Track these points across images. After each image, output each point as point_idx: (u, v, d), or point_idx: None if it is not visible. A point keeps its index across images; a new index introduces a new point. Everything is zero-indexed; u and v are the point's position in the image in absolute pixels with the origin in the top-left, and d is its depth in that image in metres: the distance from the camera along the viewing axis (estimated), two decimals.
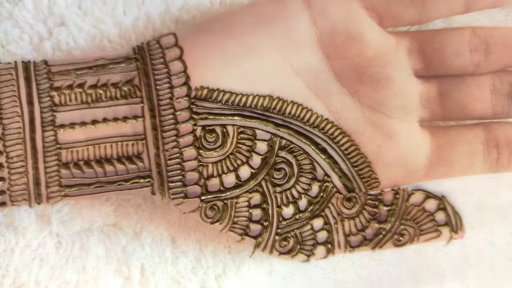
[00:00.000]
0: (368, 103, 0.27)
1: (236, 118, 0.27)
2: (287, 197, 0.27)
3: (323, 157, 0.27)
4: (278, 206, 0.27)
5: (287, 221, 0.27)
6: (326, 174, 0.28)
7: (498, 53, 0.28)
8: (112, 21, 0.29)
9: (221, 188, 0.27)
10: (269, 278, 0.28)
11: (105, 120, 0.27)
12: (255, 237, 0.27)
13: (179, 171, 0.27)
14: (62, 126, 0.26)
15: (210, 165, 0.27)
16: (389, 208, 0.28)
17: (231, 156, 0.27)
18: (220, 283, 0.28)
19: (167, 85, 0.27)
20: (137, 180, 0.26)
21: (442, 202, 0.28)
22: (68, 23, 0.28)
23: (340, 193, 0.28)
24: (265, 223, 0.27)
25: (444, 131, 0.28)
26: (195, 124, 0.27)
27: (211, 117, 0.27)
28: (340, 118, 0.28)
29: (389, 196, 0.28)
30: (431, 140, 0.28)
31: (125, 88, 0.27)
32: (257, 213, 0.27)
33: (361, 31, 0.27)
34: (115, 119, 0.27)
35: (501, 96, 0.28)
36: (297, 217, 0.27)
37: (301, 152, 0.27)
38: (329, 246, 0.28)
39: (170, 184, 0.27)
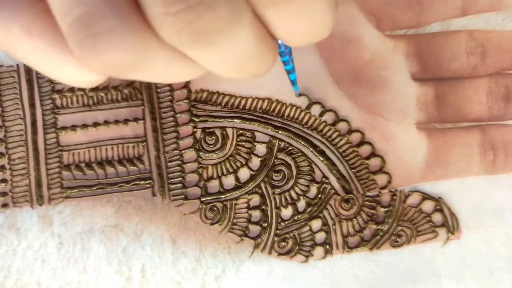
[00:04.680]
0: (366, 105, 0.28)
1: (235, 120, 0.27)
2: (286, 199, 0.28)
3: (321, 159, 0.28)
4: (277, 208, 0.28)
5: (286, 222, 0.28)
6: (324, 176, 0.28)
7: (495, 56, 0.28)
8: None
9: (221, 189, 0.27)
10: (268, 278, 0.28)
11: (106, 122, 0.27)
12: (254, 238, 0.27)
13: (179, 173, 0.27)
14: (64, 128, 0.27)
15: (210, 167, 0.27)
16: (386, 209, 0.28)
17: (230, 158, 0.27)
18: (219, 284, 0.28)
19: (168, 87, 0.27)
20: (138, 182, 0.27)
21: (439, 204, 0.29)
22: None
23: (338, 195, 0.28)
24: (264, 224, 0.28)
25: (441, 133, 0.29)
26: (195, 127, 0.27)
27: (211, 119, 0.27)
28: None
29: (386, 198, 0.28)
30: (428, 142, 0.28)
31: (126, 91, 0.27)
32: (256, 214, 0.28)
33: (359, 35, 0.27)
34: (116, 122, 0.27)
35: (497, 99, 0.29)
36: (295, 218, 0.28)
37: (300, 154, 0.28)
38: (327, 247, 0.28)
39: (170, 185, 0.27)
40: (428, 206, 0.29)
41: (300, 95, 0.27)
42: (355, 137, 0.28)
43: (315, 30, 0.16)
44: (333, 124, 0.28)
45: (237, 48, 0.15)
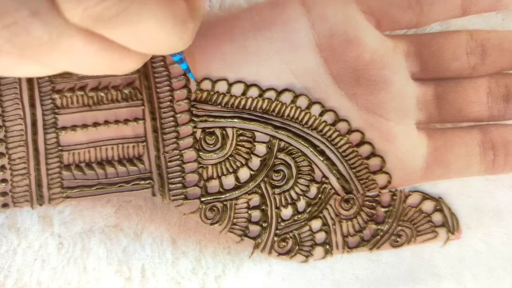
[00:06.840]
0: (366, 105, 0.28)
1: (235, 120, 0.27)
2: (285, 199, 0.28)
3: (321, 159, 0.28)
4: (277, 208, 0.28)
5: (286, 222, 0.28)
6: (324, 176, 0.28)
7: (495, 56, 0.29)
8: None
9: (221, 189, 0.27)
10: (268, 278, 0.28)
11: (106, 122, 0.27)
12: (254, 238, 0.27)
13: (179, 173, 0.27)
14: (64, 128, 0.27)
15: (209, 167, 0.27)
16: (386, 209, 0.28)
17: (230, 158, 0.27)
18: (219, 284, 0.28)
19: (168, 87, 0.27)
20: (138, 182, 0.27)
21: (439, 203, 0.29)
22: None
23: (338, 195, 0.28)
24: (264, 224, 0.28)
25: (441, 133, 0.29)
26: (195, 127, 0.27)
27: (210, 119, 0.27)
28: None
29: (386, 198, 0.28)
30: (428, 142, 0.28)
31: (126, 91, 0.27)
32: (256, 214, 0.28)
33: (359, 35, 0.27)
34: (116, 122, 0.27)
35: (497, 99, 0.29)
36: (295, 218, 0.28)
37: (300, 154, 0.28)
38: (327, 247, 0.28)
39: (170, 185, 0.27)
40: (428, 206, 0.29)
41: (198, 83, 0.27)
42: (355, 137, 0.28)
43: (161, 46, 0.17)
44: (333, 124, 0.28)
45: (78, 58, 0.16)
